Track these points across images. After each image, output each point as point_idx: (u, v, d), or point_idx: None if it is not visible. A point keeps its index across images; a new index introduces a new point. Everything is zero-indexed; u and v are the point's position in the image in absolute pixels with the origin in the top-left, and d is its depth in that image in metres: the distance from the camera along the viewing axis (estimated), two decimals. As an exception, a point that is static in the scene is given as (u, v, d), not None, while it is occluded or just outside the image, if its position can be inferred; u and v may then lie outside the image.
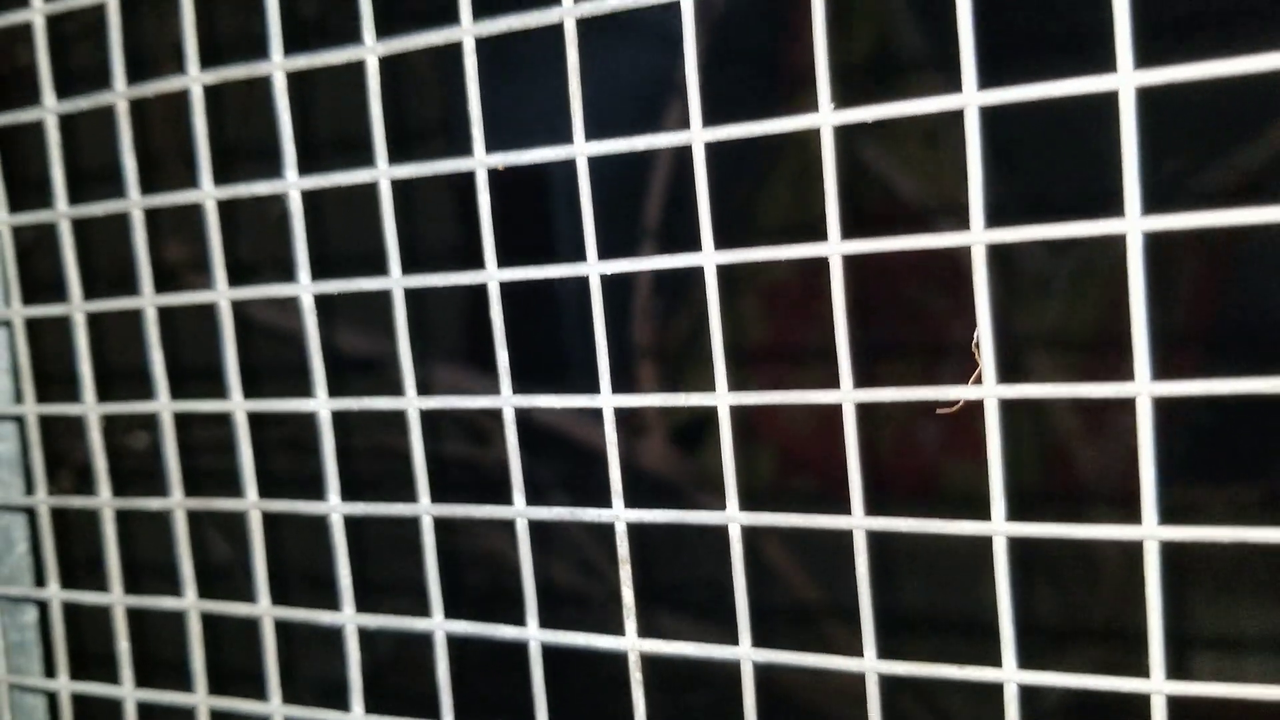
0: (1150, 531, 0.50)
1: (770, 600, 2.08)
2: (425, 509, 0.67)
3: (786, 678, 1.93)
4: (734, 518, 0.60)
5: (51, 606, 0.80)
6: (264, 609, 0.73)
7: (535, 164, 0.61)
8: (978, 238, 0.51)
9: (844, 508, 0.57)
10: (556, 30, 0.59)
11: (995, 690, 0.55)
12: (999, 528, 0.54)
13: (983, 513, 0.54)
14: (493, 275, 0.63)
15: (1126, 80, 0.47)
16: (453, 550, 2.16)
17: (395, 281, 0.65)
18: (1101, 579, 1.93)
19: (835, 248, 0.55)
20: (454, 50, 0.61)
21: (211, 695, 0.76)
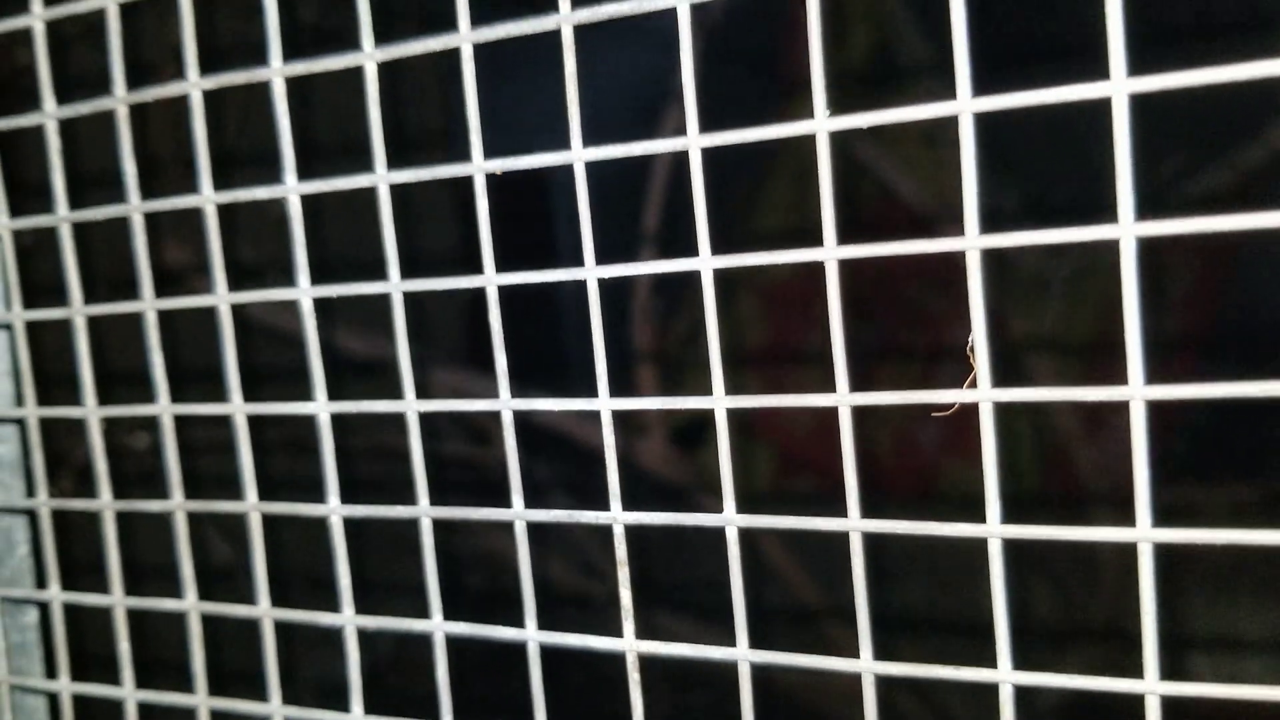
0: (1144, 533, 0.51)
1: (771, 601, 2.08)
2: (424, 511, 0.67)
3: (787, 678, 1.94)
4: (731, 519, 0.60)
5: (52, 608, 0.81)
6: (264, 610, 0.73)
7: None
8: (972, 243, 0.52)
9: (844, 508, 0.58)
10: (557, 32, 0.60)
11: (995, 691, 0.55)
12: (994, 530, 0.54)
13: (982, 514, 0.55)
14: (491, 279, 0.63)
15: (1120, 88, 0.48)
16: (453, 551, 2.16)
17: (394, 285, 0.66)
18: (1101, 579, 1.93)
19: (831, 253, 0.55)
20: (454, 53, 0.62)
21: (212, 696, 0.76)
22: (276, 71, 0.66)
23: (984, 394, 0.53)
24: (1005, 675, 0.55)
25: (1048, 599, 1.98)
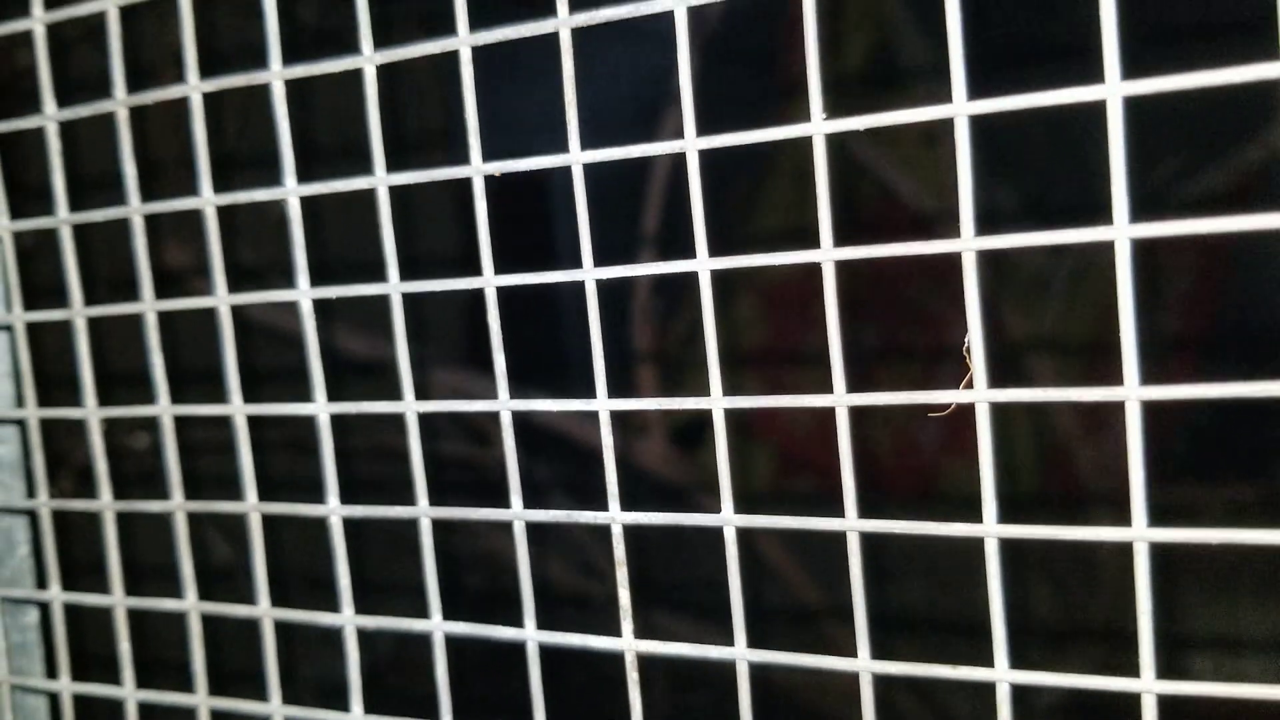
0: (1140, 533, 0.51)
1: (770, 601, 2.09)
2: (423, 511, 0.68)
3: (787, 678, 1.94)
4: (729, 520, 0.61)
5: (53, 608, 0.81)
6: (264, 610, 0.74)
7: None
8: (968, 244, 0.52)
9: (843, 508, 0.58)
10: (556, 34, 0.60)
11: (995, 690, 0.56)
12: (990, 529, 0.54)
13: (981, 514, 0.55)
14: (489, 281, 0.64)
15: (1114, 91, 0.48)
16: (454, 551, 2.16)
17: (393, 287, 0.66)
18: (1101, 579, 1.93)
19: (828, 254, 0.55)
20: (454, 55, 0.62)
21: (212, 696, 0.76)
22: (276, 74, 0.66)
23: (980, 394, 0.53)
24: (1002, 674, 0.55)
25: (1048, 599, 1.98)
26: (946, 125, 0.52)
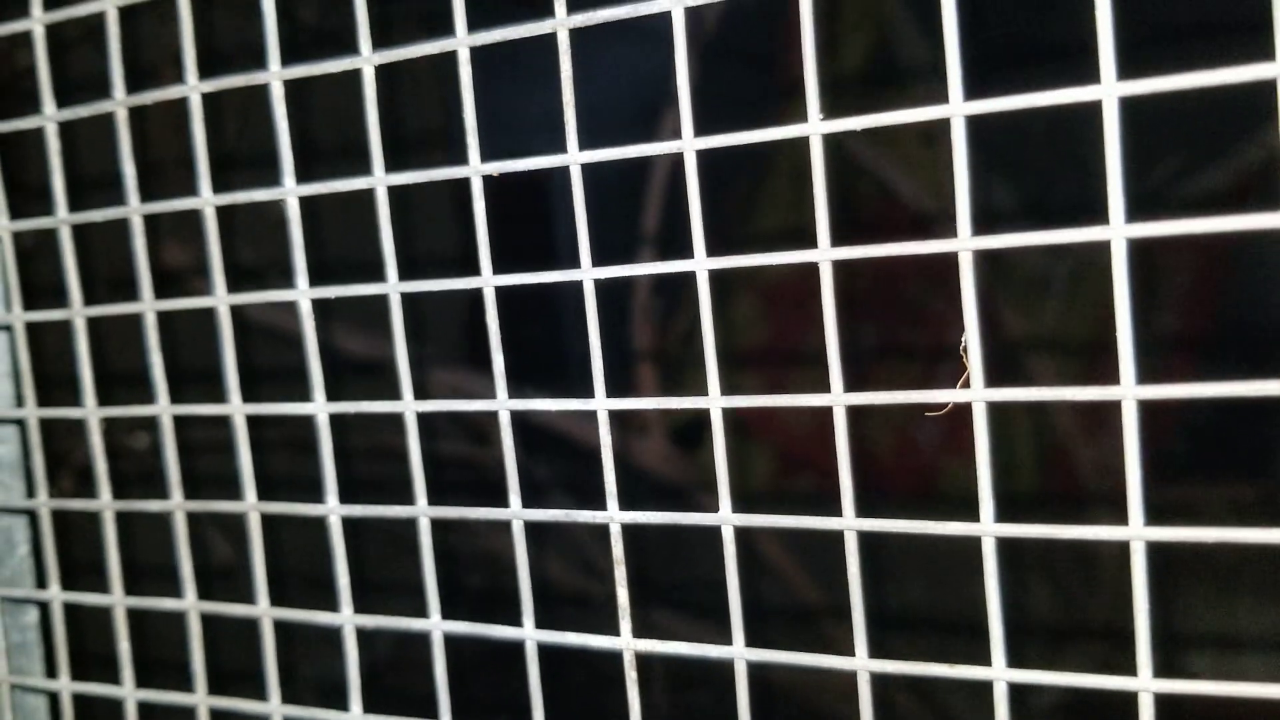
0: (1137, 532, 0.51)
1: (771, 600, 2.09)
2: (422, 511, 0.68)
3: (788, 678, 1.94)
4: (727, 519, 0.61)
5: (53, 607, 0.81)
6: (263, 610, 0.74)
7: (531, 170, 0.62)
8: (965, 244, 0.52)
9: (842, 508, 0.58)
10: (555, 34, 0.60)
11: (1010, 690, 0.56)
12: (987, 528, 0.54)
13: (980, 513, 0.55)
14: (488, 281, 0.64)
15: (1110, 91, 0.48)
16: (454, 551, 2.17)
17: (392, 287, 0.66)
18: (1102, 579, 1.93)
19: (825, 254, 0.55)
20: (453, 54, 0.62)
21: (211, 695, 0.77)
22: (275, 75, 0.66)
23: (977, 394, 0.54)
24: (999, 673, 0.55)
25: (1048, 599, 1.98)
26: (946, 125, 0.52)
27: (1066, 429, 1.99)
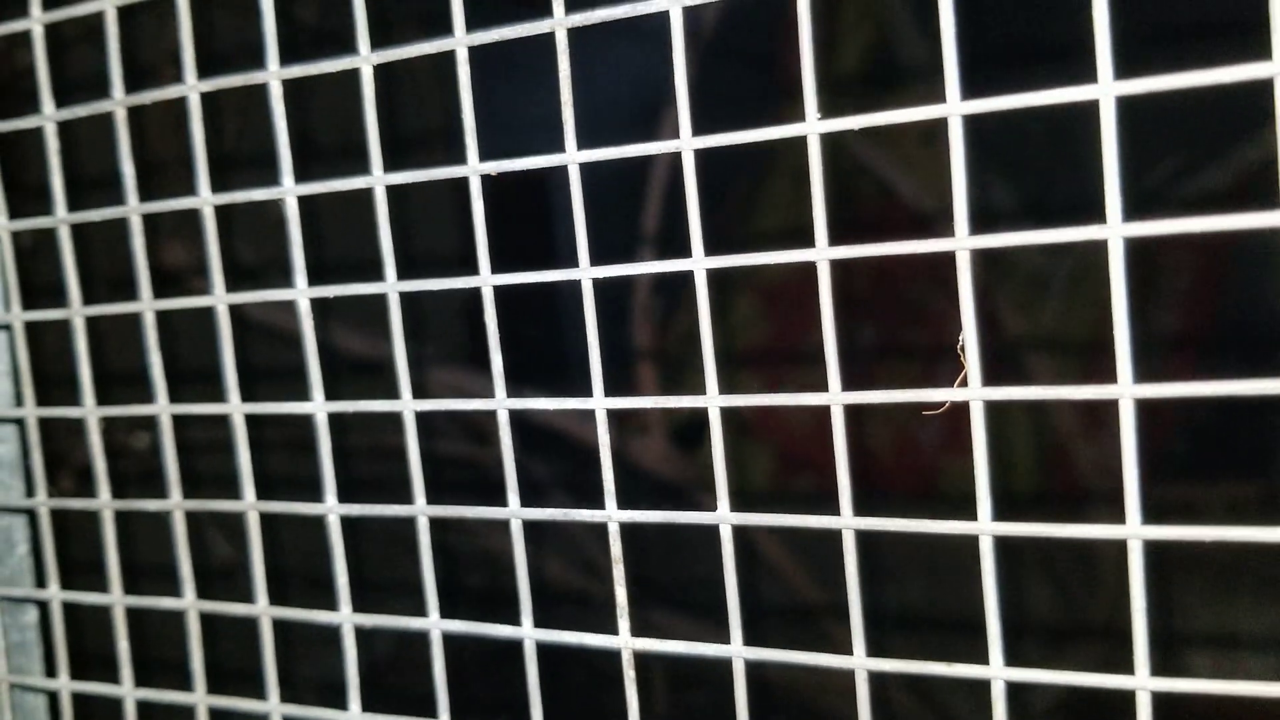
0: (1134, 531, 0.51)
1: (772, 600, 2.09)
2: (421, 510, 0.68)
3: (789, 677, 1.94)
4: (725, 518, 0.61)
5: (52, 607, 0.81)
6: (262, 609, 0.74)
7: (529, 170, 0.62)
8: (962, 243, 0.52)
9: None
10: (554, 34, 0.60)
11: (1009, 689, 0.56)
12: (985, 527, 0.54)
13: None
14: (486, 280, 0.64)
15: (1106, 90, 0.48)
16: (456, 550, 2.17)
17: (390, 286, 0.66)
18: (1101, 577, 1.93)
19: (822, 253, 0.55)
20: (453, 54, 0.62)
21: (210, 694, 0.77)
22: (273, 74, 0.66)
23: (974, 393, 0.54)
24: (997, 671, 0.55)
25: (1048, 598, 1.98)
26: (945, 125, 0.52)
27: (1066, 429, 1.99)
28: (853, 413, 0.57)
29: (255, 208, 0.72)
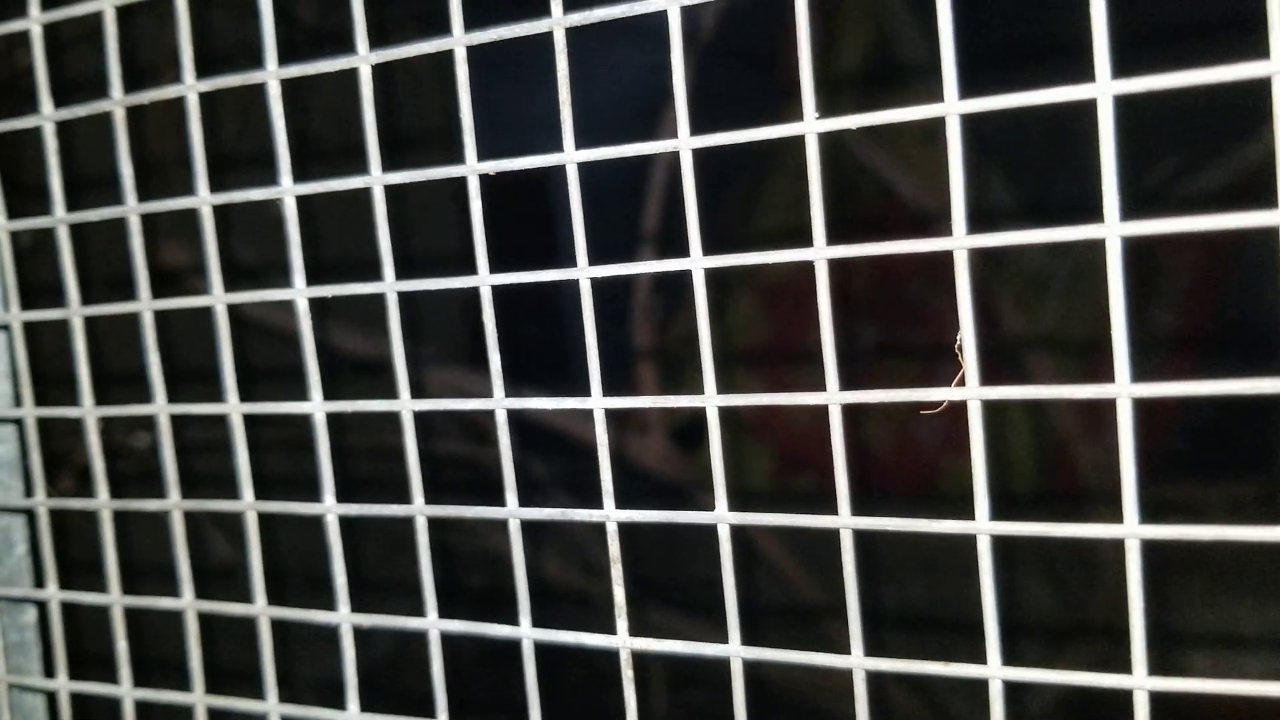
0: (1131, 530, 0.51)
1: (772, 600, 2.09)
2: (419, 509, 0.68)
3: (789, 677, 1.94)
4: (723, 518, 0.61)
5: (50, 607, 0.81)
6: (260, 609, 0.74)
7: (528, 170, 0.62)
8: (959, 242, 0.52)
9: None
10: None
11: (1008, 689, 0.56)
12: (982, 527, 0.54)
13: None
14: (484, 280, 0.64)
15: (1104, 89, 0.48)
16: (457, 550, 2.17)
17: (388, 286, 0.66)
18: (1102, 577, 1.93)
19: (820, 253, 0.55)
20: (452, 54, 0.62)
21: (209, 694, 0.77)
22: (272, 74, 0.66)
23: (972, 392, 0.54)
24: (995, 671, 0.55)
25: (1050, 598, 1.98)
26: (945, 124, 0.52)
27: (1067, 428, 1.99)
28: (852, 412, 0.57)
29: (254, 207, 0.72)
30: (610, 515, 0.64)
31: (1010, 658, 0.55)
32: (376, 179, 0.65)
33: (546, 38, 0.61)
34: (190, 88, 0.69)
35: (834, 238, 0.55)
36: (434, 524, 0.68)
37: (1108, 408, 0.51)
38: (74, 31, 0.87)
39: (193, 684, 0.77)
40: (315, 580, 0.92)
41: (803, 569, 2.07)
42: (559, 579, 2.13)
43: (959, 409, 0.55)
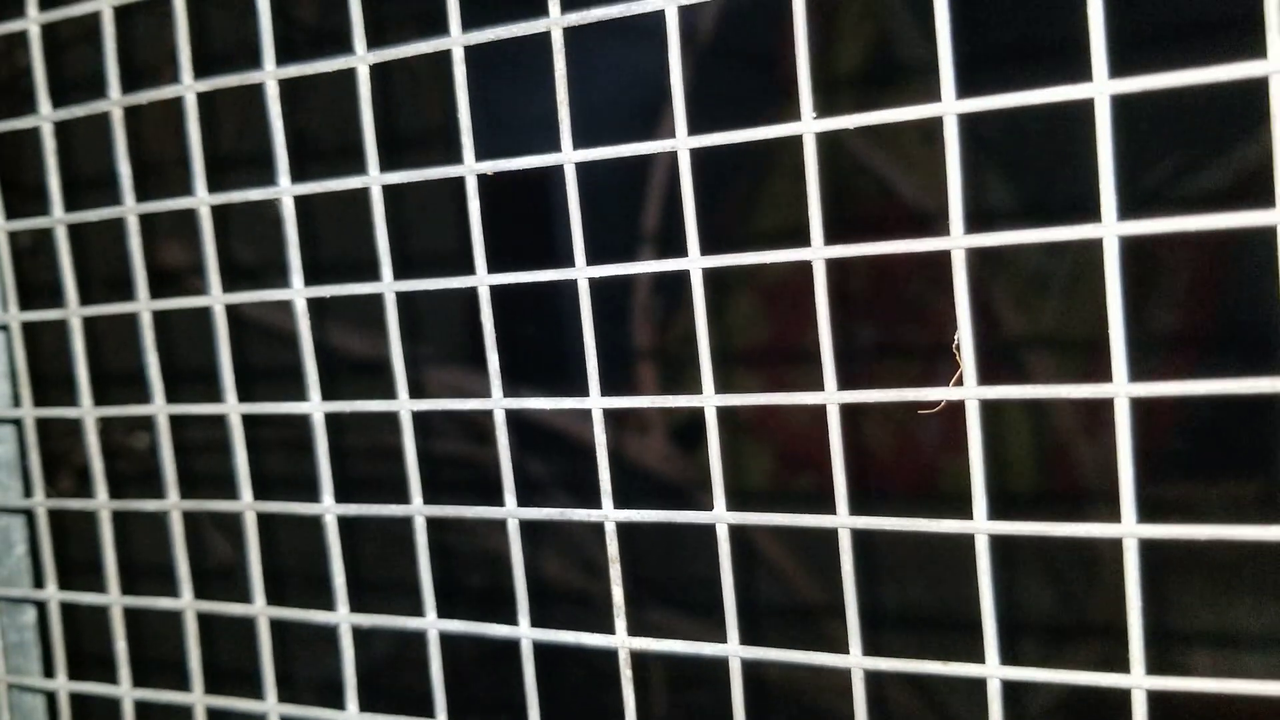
0: (1129, 529, 0.51)
1: (773, 600, 2.09)
2: (418, 509, 0.68)
3: (790, 677, 1.94)
4: (721, 517, 0.61)
5: (50, 607, 0.81)
6: (259, 609, 0.74)
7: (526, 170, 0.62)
8: (957, 242, 0.52)
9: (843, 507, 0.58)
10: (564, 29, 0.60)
11: (1009, 688, 0.56)
12: (980, 526, 0.54)
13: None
14: (482, 280, 0.64)
15: (1101, 89, 0.48)
16: (456, 550, 2.17)
17: (386, 286, 0.66)
18: (1102, 576, 1.93)
19: (818, 252, 0.55)
20: (450, 52, 0.62)
21: (208, 694, 0.77)
22: (269, 74, 0.66)
23: (970, 391, 0.54)
24: (993, 670, 0.55)
25: (1050, 598, 1.98)
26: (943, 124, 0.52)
27: (1067, 428, 1.99)
28: (852, 412, 0.57)
29: (252, 207, 0.72)
30: (609, 515, 0.64)
31: (1011, 658, 0.55)
32: (375, 179, 0.65)
33: (544, 37, 0.61)
34: (188, 88, 0.69)
35: (833, 238, 0.55)
36: (433, 524, 0.68)
37: (1107, 407, 0.51)
38: (72, 32, 0.87)
39: (192, 684, 0.77)
40: (314, 580, 0.92)
41: (802, 569, 2.07)
42: (558, 579, 2.13)
43: (957, 409, 0.55)
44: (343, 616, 0.71)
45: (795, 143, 0.56)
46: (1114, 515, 0.52)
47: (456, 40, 0.61)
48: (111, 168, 0.73)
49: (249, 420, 0.73)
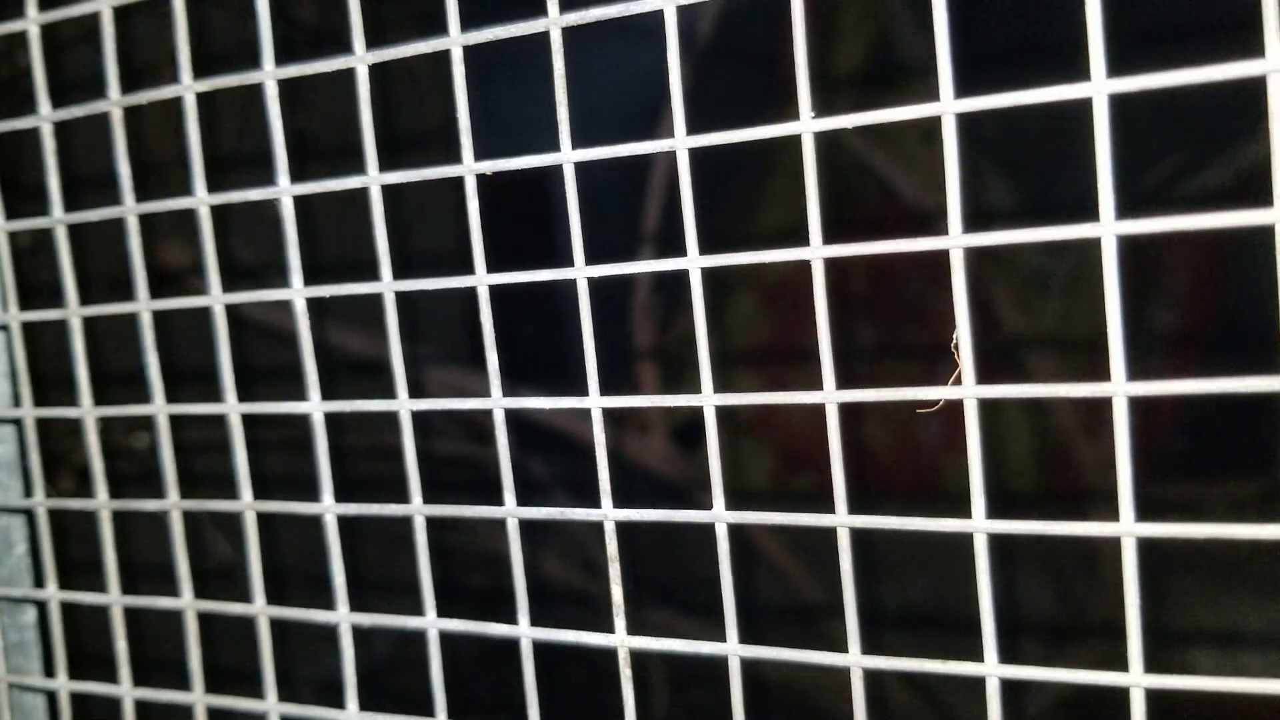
0: (1128, 528, 0.51)
1: (773, 599, 2.09)
2: (417, 509, 0.68)
3: (790, 676, 1.94)
4: (720, 516, 0.61)
5: (50, 607, 0.81)
6: (259, 608, 0.74)
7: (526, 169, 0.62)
8: (955, 241, 0.52)
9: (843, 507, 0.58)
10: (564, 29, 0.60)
11: (1009, 688, 0.56)
12: (979, 525, 0.54)
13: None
14: (481, 279, 0.64)
15: (1099, 88, 0.48)
16: (457, 550, 2.17)
17: (386, 285, 0.66)
18: (1103, 575, 1.93)
19: (817, 252, 0.55)
20: (449, 52, 0.62)
21: (208, 694, 0.77)
22: (269, 74, 0.66)
23: (968, 391, 0.54)
24: (991, 669, 0.55)
25: (1051, 597, 1.98)
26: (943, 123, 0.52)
27: (1066, 427, 1.99)
28: (851, 412, 0.57)
29: (252, 207, 0.72)
30: (608, 514, 0.64)
31: (1011, 657, 0.55)
32: (374, 179, 0.65)
33: (543, 37, 0.61)
34: (188, 88, 0.69)
35: (833, 237, 0.55)
36: (433, 523, 0.68)
37: (1107, 406, 0.51)
38: (71, 32, 0.87)
39: (192, 684, 0.77)
40: (314, 580, 0.92)
41: (802, 568, 2.07)
42: (558, 578, 2.13)
43: (956, 408, 0.55)
44: (343, 616, 0.71)
45: (795, 142, 0.56)
46: (1113, 514, 0.52)
47: (455, 40, 0.61)
48: (111, 168, 0.73)
49: (249, 420, 0.73)
